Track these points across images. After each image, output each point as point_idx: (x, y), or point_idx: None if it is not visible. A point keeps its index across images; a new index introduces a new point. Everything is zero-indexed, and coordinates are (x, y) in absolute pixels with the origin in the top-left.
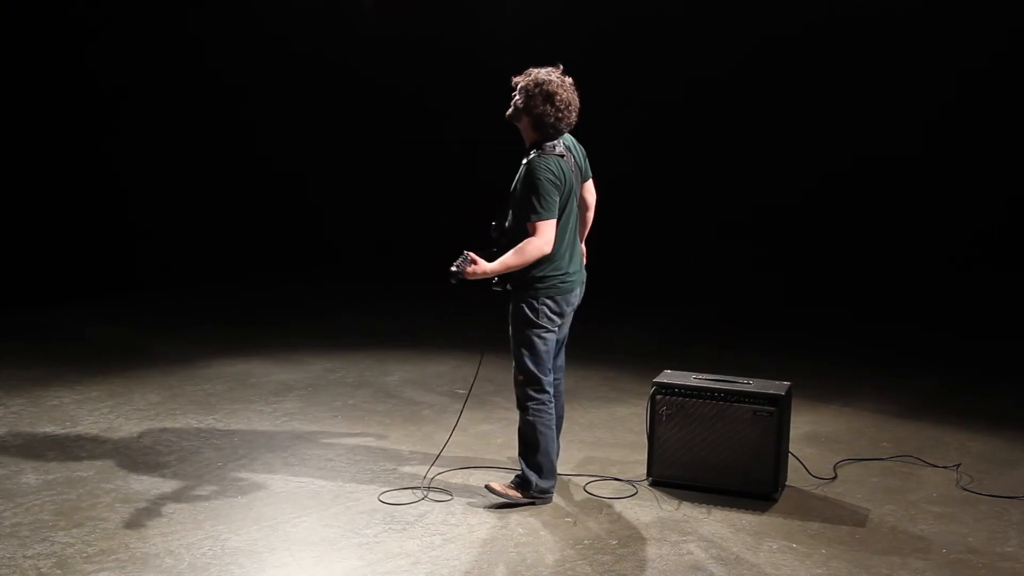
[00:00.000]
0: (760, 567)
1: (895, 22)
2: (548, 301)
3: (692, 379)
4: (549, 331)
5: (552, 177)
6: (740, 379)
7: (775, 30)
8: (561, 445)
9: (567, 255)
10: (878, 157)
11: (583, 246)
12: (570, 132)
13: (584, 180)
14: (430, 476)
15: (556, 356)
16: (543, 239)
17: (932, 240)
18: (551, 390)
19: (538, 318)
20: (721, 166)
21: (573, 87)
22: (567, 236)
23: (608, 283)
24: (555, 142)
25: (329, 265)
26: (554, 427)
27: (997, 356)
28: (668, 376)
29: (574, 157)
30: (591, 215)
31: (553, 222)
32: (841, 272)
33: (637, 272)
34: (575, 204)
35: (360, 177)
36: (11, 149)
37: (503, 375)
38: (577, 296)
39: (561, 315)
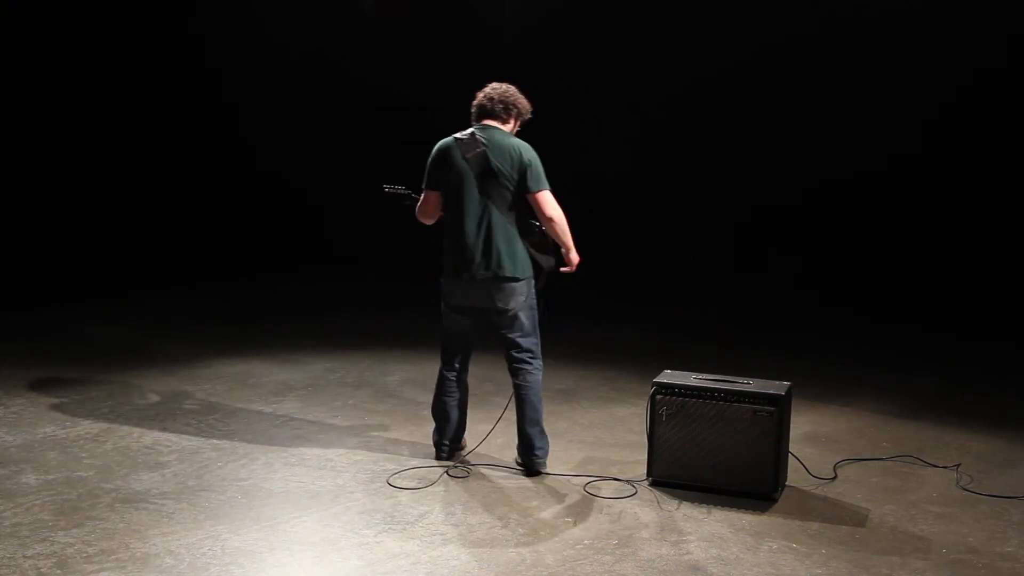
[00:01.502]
0: (760, 567)
1: (895, 23)
2: (443, 280)
3: (692, 379)
4: (447, 310)
5: (432, 154)
6: (740, 379)
7: (775, 30)
8: (544, 436)
9: (456, 245)
10: (878, 157)
11: (572, 255)
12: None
13: (525, 191)
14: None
15: (506, 344)
16: (420, 205)
17: (932, 240)
18: (451, 372)
19: (441, 294)
20: (721, 166)
21: (496, 90)
22: (460, 225)
23: (608, 283)
24: (470, 129)
25: (329, 265)
26: (447, 398)
27: (997, 356)
28: (668, 376)
29: (487, 151)
30: (549, 229)
31: (429, 194)
32: (841, 272)
33: (637, 272)
34: (477, 199)
35: (360, 177)
36: (11, 149)
37: (503, 375)
38: (470, 295)
39: (452, 296)
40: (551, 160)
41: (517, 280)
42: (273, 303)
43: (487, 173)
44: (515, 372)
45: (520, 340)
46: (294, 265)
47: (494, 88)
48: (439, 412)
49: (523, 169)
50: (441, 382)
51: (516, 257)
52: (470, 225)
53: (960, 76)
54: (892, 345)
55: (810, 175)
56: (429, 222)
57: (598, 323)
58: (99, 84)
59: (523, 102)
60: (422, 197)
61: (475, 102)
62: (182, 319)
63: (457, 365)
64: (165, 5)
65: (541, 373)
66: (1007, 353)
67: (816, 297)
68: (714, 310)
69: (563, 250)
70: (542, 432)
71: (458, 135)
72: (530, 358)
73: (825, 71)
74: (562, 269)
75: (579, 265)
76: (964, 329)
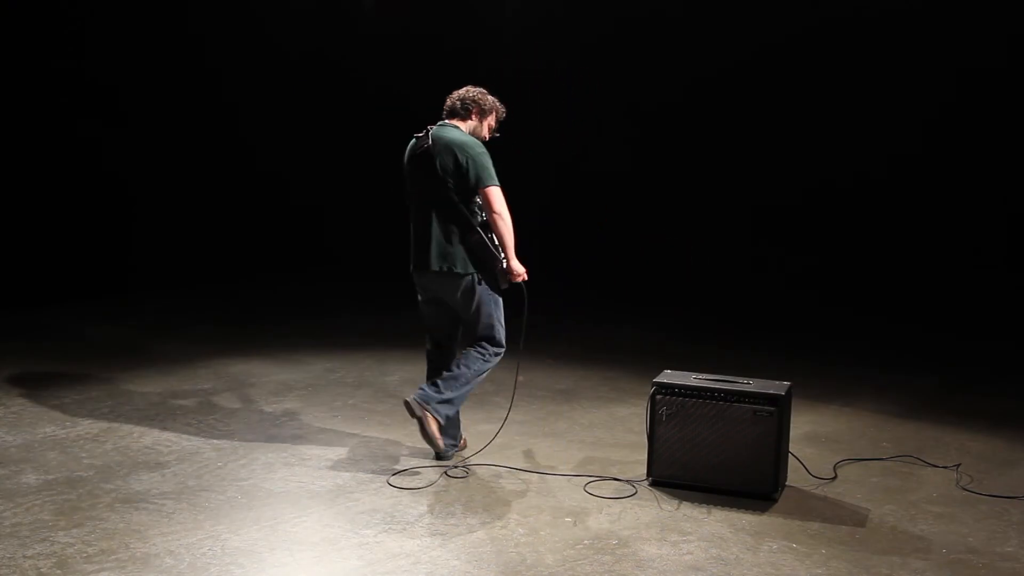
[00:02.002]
0: (760, 567)
1: (895, 23)
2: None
3: (692, 379)
4: (418, 300)
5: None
6: (740, 379)
7: (775, 31)
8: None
9: (411, 239)
10: (878, 158)
11: (512, 263)
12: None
13: (476, 187)
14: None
15: (464, 332)
16: None
17: (932, 240)
18: (431, 362)
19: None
20: (721, 166)
21: (459, 91)
22: (410, 221)
23: (608, 283)
24: (430, 126)
25: (329, 265)
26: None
27: (997, 356)
28: (668, 376)
29: (431, 149)
30: (492, 225)
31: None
32: (842, 272)
33: (637, 272)
34: (422, 196)
35: (360, 177)
36: (11, 149)
37: (503, 374)
38: (420, 284)
39: (416, 287)
40: (551, 160)
41: (457, 275)
42: (273, 303)
43: (430, 171)
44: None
45: (473, 330)
46: (294, 265)
47: (459, 90)
48: None
49: (463, 166)
50: (427, 374)
51: (455, 253)
52: (416, 220)
53: (960, 76)
54: (892, 345)
55: (810, 175)
56: None
57: (598, 323)
58: (99, 84)
59: (487, 100)
60: None
61: (445, 105)
62: (182, 319)
63: (436, 355)
64: (165, 5)
65: (487, 364)
66: (1007, 353)
67: (816, 297)
68: (714, 310)
69: (501, 258)
70: (443, 399)
71: (417, 134)
72: (485, 344)
73: (825, 71)
74: (503, 286)
75: (526, 277)
76: (964, 329)
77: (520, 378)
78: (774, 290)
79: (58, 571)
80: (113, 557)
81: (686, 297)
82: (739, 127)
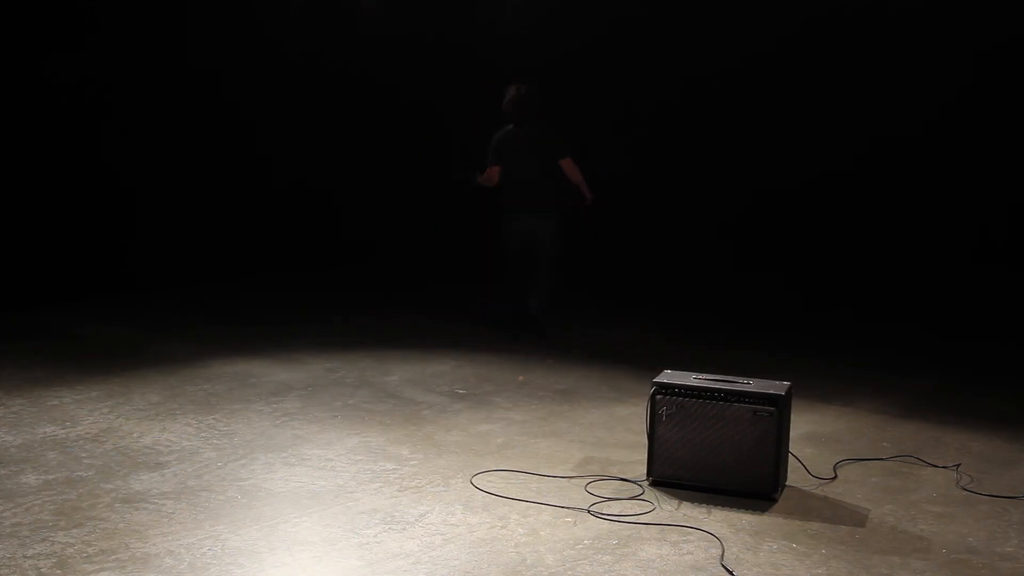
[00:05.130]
0: (760, 567)
1: (893, 16)
2: (507, 215)
3: (692, 379)
4: (504, 230)
5: (492, 141)
6: (740, 379)
7: (773, 28)
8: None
9: (512, 194)
10: (878, 158)
11: (583, 189)
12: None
13: (560, 157)
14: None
15: (539, 255)
16: (487, 176)
17: (932, 240)
18: (510, 270)
19: (500, 220)
20: (721, 166)
21: (514, 96)
22: (518, 181)
23: (608, 283)
24: (511, 125)
25: (330, 265)
26: (511, 292)
27: (996, 356)
28: (668, 376)
29: (527, 138)
30: (575, 181)
31: (494, 168)
32: (841, 272)
33: (637, 272)
34: (521, 163)
35: (360, 176)
36: (11, 149)
37: (503, 375)
38: (523, 223)
39: (510, 221)
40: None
41: (552, 216)
42: (274, 303)
43: (534, 148)
44: (539, 269)
45: (550, 251)
46: (294, 265)
47: (520, 96)
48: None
49: (555, 143)
50: (512, 281)
51: (551, 201)
52: (526, 181)
53: (958, 76)
54: (892, 345)
55: (812, 175)
56: (491, 184)
57: (598, 323)
58: (99, 83)
59: (539, 99)
60: (487, 171)
61: (512, 106)
62: (182, 319)
63: (523, 270)
64: (166, 4)
65: (555, 273)
66: (1007, 353)
67: (816, 297)
68: (714, 310)
69: (583, 190)
70: (538, 305)
71: (509, 127)
72: (553, 263)
73: (823, 73)
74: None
75: (594, 202)
76: (964, 329)
77: (520, 378)
78: (774, 290)
79: (58, 571)
80: (113, 557)
81: (686, 297)
82: (739, 126)
